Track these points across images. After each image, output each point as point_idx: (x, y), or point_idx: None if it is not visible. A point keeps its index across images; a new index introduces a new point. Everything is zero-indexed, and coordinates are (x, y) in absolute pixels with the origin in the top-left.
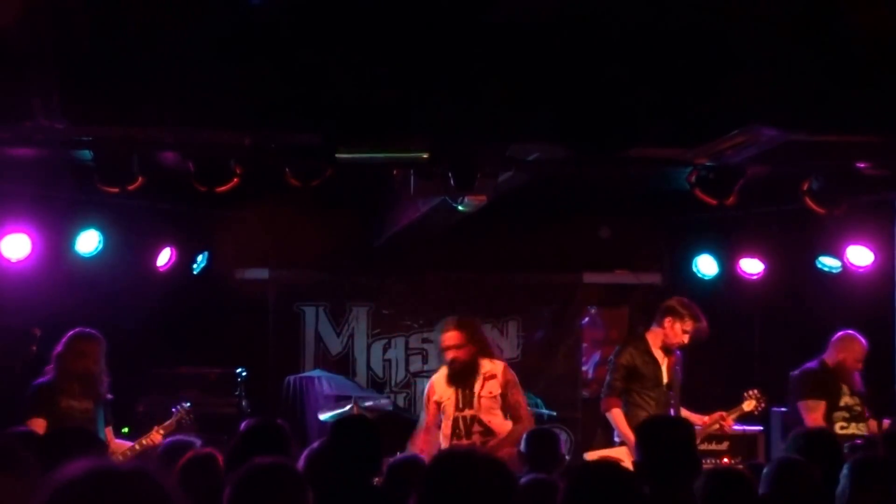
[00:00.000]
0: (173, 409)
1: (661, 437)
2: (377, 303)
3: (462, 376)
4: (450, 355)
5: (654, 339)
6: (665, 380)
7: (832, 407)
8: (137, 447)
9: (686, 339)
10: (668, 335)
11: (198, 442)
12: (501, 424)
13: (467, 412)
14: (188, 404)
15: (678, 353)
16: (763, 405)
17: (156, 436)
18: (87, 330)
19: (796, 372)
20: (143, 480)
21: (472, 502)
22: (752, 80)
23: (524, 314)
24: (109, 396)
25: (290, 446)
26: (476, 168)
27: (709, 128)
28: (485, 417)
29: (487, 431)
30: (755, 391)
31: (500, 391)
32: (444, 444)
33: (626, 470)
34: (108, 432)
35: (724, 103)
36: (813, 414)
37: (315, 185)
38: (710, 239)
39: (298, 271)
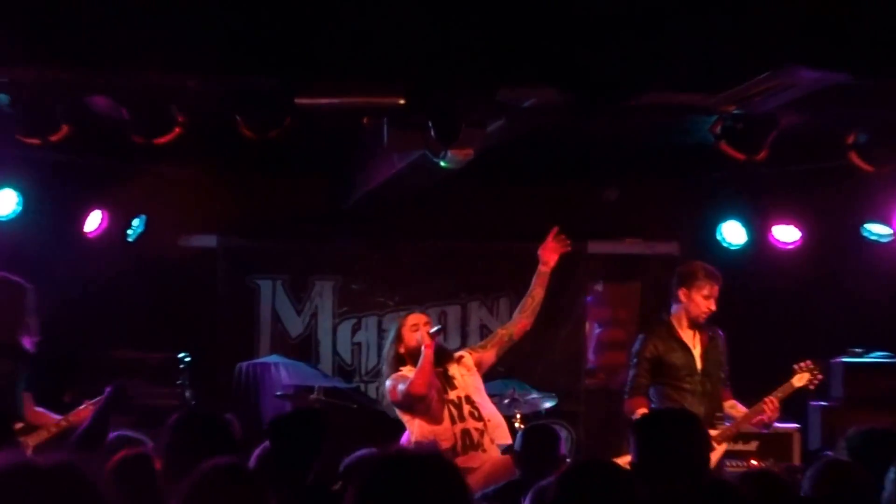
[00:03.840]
0: (107, 389)
1: (656, 434)
2: (345, 276)
3: (437, 360)
4: (429, 328)
5: (678, 320)
6: (700, 366)
7: None
8: (64, 423)
9: (713, 304)
10: (690, 309)
11: (150, 443)
12: (491, 410)
13: (453, 394)
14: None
15: (720, 333)
16: (819, 378)
17: (83, 412)
18: (4, 275)
19: None
20: (70, 477)
21: None
22: (787, 12)
23: (518, 290)
24: (31, 349)
25: (232, 440)
26: (461, 116)
27: (735, 69)
28: (473, 398)
29: (479, 416)
30: (808, 362)
31: (474, 367)
32: (446, 435)
33: (622, 470)
34: (27, 399)
35: (753, 40)
36: None
37: (272, 136)
38: (737, 202)
39: (252, 239)
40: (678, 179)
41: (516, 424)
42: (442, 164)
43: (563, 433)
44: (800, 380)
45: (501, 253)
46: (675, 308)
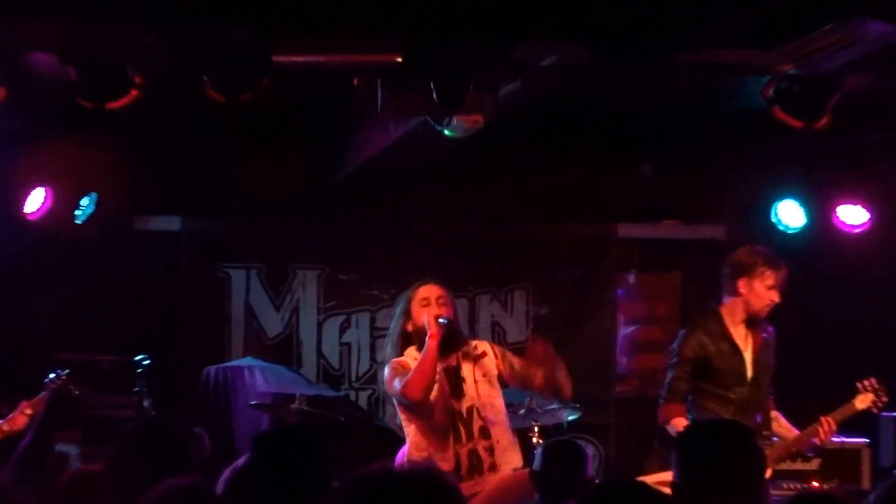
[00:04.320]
0: (46, 380)
1: (704, 451)
2: (332, 265)
3: (450, 343)
4: (438, 311)
5: (731, 314)
6: (750, 373)
7: None
8: None
9: (776, 296)
10: (751, 301)
11: (73, 451)
12: (503, 427)
13: (463, 404)
14: (65, 372)
15: (770, 329)
16: (884, 400)
17: (20, 418)
18: None
19: None
20: None
21: None
22: None
23: (536, 281)
24: None
25: (190, 456)
26: (468, 77)
27: (793, 21)
28: (485, 412)
29: (488, 433)
30: (872, 380)
31: (496, 371)
32: (447, 455)
33: (657, 493)
34: None
35: None
36: None
37: (245, 100)
38: (794, 178)
39: (221, 221)
40: (725, 151)
41: (534, 440)
42: (446, 133)
43: (590, 450)
44: (862, 401)
45: (516, 237)
46: (728, 300)
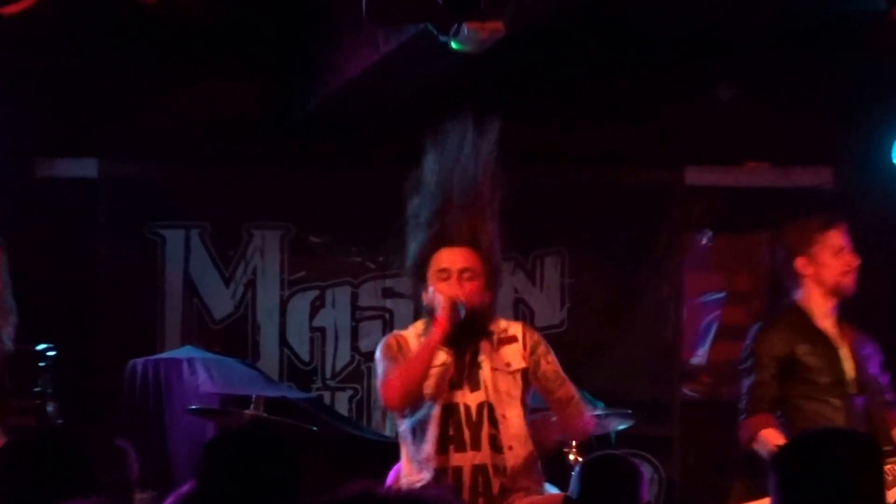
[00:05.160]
0: None
1: (810, 468)
2: (299, 223)
3: (467, 332)
4: (458, 291)
5: (810, 304)
6: (852, 374)
7: None
8: None
9: (851, 258)
10: (825, 277)
11: None
12: (521, 441)
13: (471, 397)
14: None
15: (867, 343)
16: None
17: None
18: None
19: None
20: None
21: None
22: None
23: (574, 245)
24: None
25: (95, 478)
26: None
27: None
28: (501, 409)
29: (497, 444)
30: None
31: (523, 363)
32: (428, 462)
33: None
34: None
35: None
36: None
37: (184, 4)
38: None
39: (153, 165)
40: (830, 71)
41: (570, 456)
42: (453, 45)
43: (646, 470)
44: None
45: (548, 187)
46: (798, 294)
